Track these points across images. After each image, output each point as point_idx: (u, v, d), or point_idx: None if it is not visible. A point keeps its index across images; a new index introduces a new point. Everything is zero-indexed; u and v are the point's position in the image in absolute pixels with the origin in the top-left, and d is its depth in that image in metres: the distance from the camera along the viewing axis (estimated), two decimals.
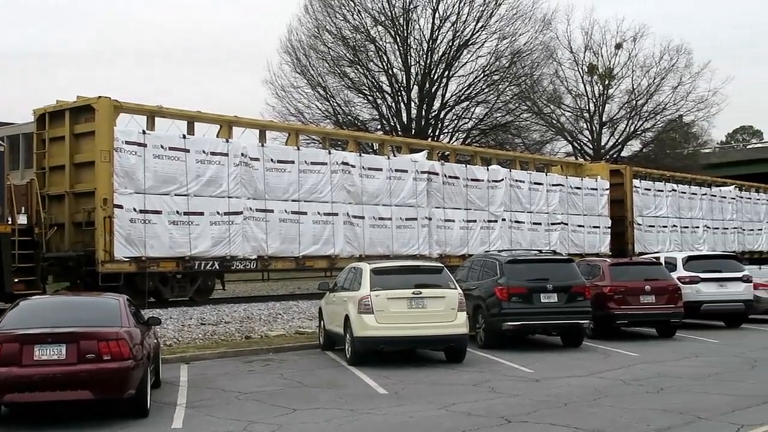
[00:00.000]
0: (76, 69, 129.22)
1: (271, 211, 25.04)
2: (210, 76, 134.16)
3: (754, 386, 13.32)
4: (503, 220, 32.11)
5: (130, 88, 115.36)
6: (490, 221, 31.64)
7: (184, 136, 23.51)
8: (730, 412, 11.15)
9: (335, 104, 50.20)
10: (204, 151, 23.55)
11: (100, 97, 22.05)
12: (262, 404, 12.19)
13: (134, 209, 21.97)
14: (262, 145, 25.64)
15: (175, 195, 22.85)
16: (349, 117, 50.35)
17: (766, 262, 38.12)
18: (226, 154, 24.00)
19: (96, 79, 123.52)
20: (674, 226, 40.60)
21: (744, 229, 46.02)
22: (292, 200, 25.64)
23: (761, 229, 47.64)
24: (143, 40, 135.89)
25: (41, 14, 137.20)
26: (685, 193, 41.98)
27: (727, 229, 44.57)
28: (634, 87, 59.56)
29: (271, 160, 25.22)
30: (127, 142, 21.96)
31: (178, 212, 22.88)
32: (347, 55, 49.29)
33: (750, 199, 47.54)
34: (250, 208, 24.54)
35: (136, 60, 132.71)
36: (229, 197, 24.00)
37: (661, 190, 40.34)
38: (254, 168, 24.69)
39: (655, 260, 23.87)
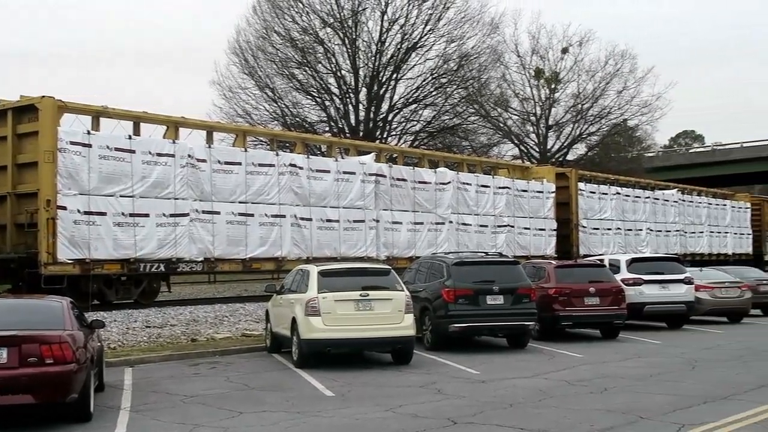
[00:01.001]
0: (11, 68, 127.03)
1: (218, 212, 24.87)
2: (156, 77, 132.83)
3: (695, 386, 13.57)
4: (450, 222, 32.27)
5: (70, 89, 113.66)
6: (437, 223, 31.78)
7: (130, 137, 23.24)
8: (672, 412, 11.34)
9: (283, 106, 50.09)
10: (150, 152, 23.31)
11: (43, 96, 21.71)
12: (208, 407, 12.10)
13: (78, 211, 21.65)
14: (209, 147, 25.47)
15: (121, 196, 22.58)
16: (297, 119, 50.23)
17: (707, 264, 38.83)
18: (173, 155, 23.79)
19: (30, 79, 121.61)
20: (618, 228, 41.12)
21: (686, 232, 46.77)
22: (239, 202, 25.49)
23: (702, 232, 48.46)
24: (86, 40, 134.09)
25: None
26: (629, 196, 42.54)
27: (670, 231, 45.25)
28: (580, 91, 60.34)
29: (218, 161, 25.06)
30: (72, 143, 21.64)
31: (123, 214, 22.61)
32: (295, 56, 49.20)
33: (692, 202, 48.34)
34: (197, 210, 24.35)
35: (77, 62, 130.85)
36: (175, 199, 23.79)
37: (606, 193, 40.84)
38: (201, 169, 24.51)
39: (599, 262, 24.18)
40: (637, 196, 43.20)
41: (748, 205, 54.52)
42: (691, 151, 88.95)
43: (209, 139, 26.41)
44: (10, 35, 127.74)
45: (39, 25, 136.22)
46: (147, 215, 23.14)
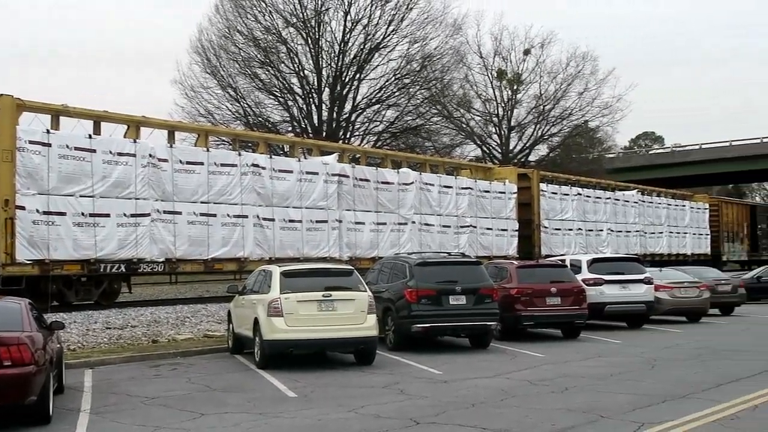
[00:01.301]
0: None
1: (180, 213, 24.71)
2: (117, 76, 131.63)
3: (654, 385, 13.71)
4: (413, 222, 32.33)
5: (29, 89, 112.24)
6: (400, 224, 31.82)
7: (90, 136, 23.02)
8: (631, 411, 11.45)
9: (246, 105, 49.87)
10: (111, 152, 23.11)
11: (1, 95, 21.43)
12: (169, 409, 12.02)
13: (37, 210, 21.41)
14: (171, 146, 25.31)
15: (81, 196, 22.36)
16: (260, 118, 50.04)
17: (666, 264, 39.27)
18: (134, 155, 23.61)
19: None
20: (579, 229, 41.45)
21: (646, 233, 47.25)
22: (201, 202, 25.35)
23: (662, 233, 48.98)
24: (42, 39, 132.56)
25: None
26: (589, 197, 42.88)
27: (630, 232, 45.70)
28: (542, 92, 60.72)
29: (180, 161, 24.90)
30: (31, 142, 21.40)
31: (83, 214, 22.39)
32: (258, 56, 49.01)
33: (652, 203, 48.84)
34: (158, 210, 24.18)
35: (37, 61, 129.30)
36: (136, 199, 23.60)
37: (567, 194, 41.14)
38: (162, 169, 24.34)
39: (560, 263, 24.35)
40: (597, 197, 43.57)
41: (707, 205, 55.19)
42: (651, 152, 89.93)
43: (171, 139, 26.25)
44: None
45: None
46: (107, 215, 22.94)
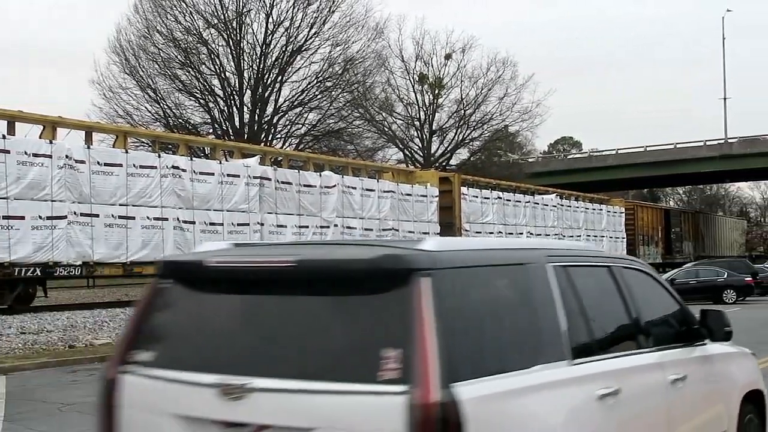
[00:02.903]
0: None
1: (97, 215, 24.26)
2: (31, 75, 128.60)
3: None
4: (335, 225, 32.32)
5: None
6: (322, 227, 31.78)
7: (4, 137, 22.44)
8: None
9: (166, 107, 49.24)
10: (26, 153, 22.56)
11: None
12: (86, 415, 11.76)
13: None
14: (89, 147, 24.81)
15: None
16: (181, 120, 49.49)
17: None
18: (50, 156, 23.09)
19: None
20: (500, 232, 41.92)
21: (564, 236, 48.01)
22: (120, 204, 24.92)
23: (580, 236, 49.81)
24: None
25: None
26: (510, 200, 43.42)
27: (549, 235, 46.36)
28: (463, 97, 61.33)
29: (98, 162, 24.44)
30: None
31: None
32: (178, 57, 48.48)
33: (570, 206, 49.68)
34: (75, 212, 23.69)
35: None
36: (52, 201, 23.09)
37: (488, 198, 41.60)
38: (80, 171, 23.85)
39: None
40: (517, 201, 44.15)
41: (623, 209, 56.35)
42: (569, 157, 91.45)
43: (89, 140, 25.75)
44: None
45: None
46: (22, 218, 22.38)
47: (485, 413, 3.93)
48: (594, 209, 52.32)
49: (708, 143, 74.22)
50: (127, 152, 25.78)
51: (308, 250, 4.72)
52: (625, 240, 55.50)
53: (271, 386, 4.02)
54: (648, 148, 75.50)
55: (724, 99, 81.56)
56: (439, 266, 4.09)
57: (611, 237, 53.65)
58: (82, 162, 23.96)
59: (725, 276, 37.80)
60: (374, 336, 4.00)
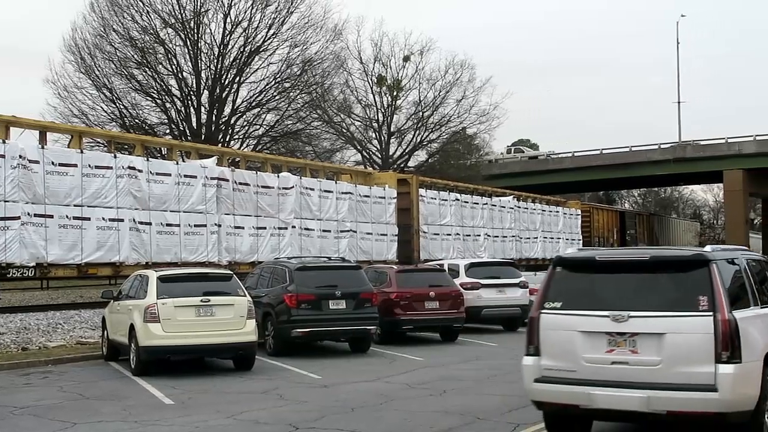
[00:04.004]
0: None
1: (51, 216, 23.90)
2: None
3: None
4: (293, 227, 32.18)
5: None
6: (280, 228, 31.63)
7: None
8: (507, 412, 11.72)
9: (122, 107, 48.73)
10: None
11: None
12: (40, 419, 11.64)
13: None
14: (43, 147, 24.45)
15: None
16: (137, 120, 49.01)
17: (541, 268, 40.28)
18: (3, 156, 22.67)
19: None
20: (457, 234, 42.06)
21: (521, 238, 48.31)
22: (75, 205, 24.57)
23: (537, 238, 50.16)
24: None
25: None
26: (467, 202, 43.55)
27: (506, 237, 46.63)
28: (421, 99, 61.45)
29: (52, 162, 24.08)
30: None
31: None
32: (135, 56, 48.02)
33: (527, 208, 49.96)
34: (29, 213, 23.30)
35: None
36: (5, 201, 22.68)
37: (446, 200, 41.70)
38: (33, 171, 23.48)
39: (439, 267, 24.69)
40: (475, 203, 44.30)
41: (579, 211, 56.83)
42: (526, 159, 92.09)
43: (43, 140, 25.37)
44: None
45: None
46: None
47: (744, 324, 8.62)
48: (551, 211, 52.67)
49: (662, 146, 75.18)
50: (82, 152, 25.46)
51: (650, 251, 9.68)
52: (581, 242, 55.90)
53: (640, 314, 8.83)
54: (604, 151, 76.26)
55: (678, 103, 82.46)
56: (718, 258, 9.08)
57: (567, 239, 54.03)
58: (36, 162, 23.59)
59: None
60: (693, 291, 8.75)
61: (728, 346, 8.41)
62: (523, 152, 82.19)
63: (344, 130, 60.31)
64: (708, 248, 9.20)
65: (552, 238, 52.03)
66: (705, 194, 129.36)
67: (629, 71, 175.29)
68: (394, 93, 61.29)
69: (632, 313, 8.81)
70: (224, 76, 49.26)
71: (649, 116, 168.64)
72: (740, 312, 8.72)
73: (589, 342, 9.04)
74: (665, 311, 8.74)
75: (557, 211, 53.50)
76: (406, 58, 61.34)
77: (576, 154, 78.64)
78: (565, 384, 9.14)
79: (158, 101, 49.66)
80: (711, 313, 8.48)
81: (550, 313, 9.43)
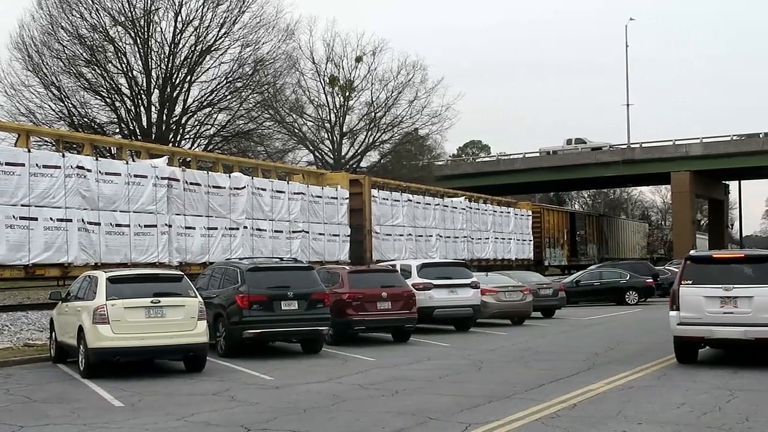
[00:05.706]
0: None
1: None
2: None
3: (481, 387, 14.14)
4: (245, 227, 32.02)
5: None
6: (231, 229, 31.45)
7: None
8: (459, 412, 11.77)
9: (70, 105, 48.04)
10: None
11: None
12: None
13: None
14: None
15: None
16: (86, 119, 48.36)
17: (492, 269, 40.54)
18: None
19: None
20: (410, 234, 42.18)
21: (473, 238, 48.59)
22: (22, 205, 24.20)
23: (488, 238, 50.49)
24: None
25: None
26: (419, 203, 43.70)
27: (458, 237, 46.87)
28: (373, 100, 61.65)
29: None
30: None
31: None
32: (84, 54, 47.39)
33: (478, 209, 50.26)
34: None
35: None
36: None
37: (398, 200, 41.79)
38: None
39: (391, 268, 24.72)
40: (427, 203, 44.47)
41: (530, 212, 57.30)
42: (478, 160, 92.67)
43: None
44: None
45: None
46: None
47: None
48: (502, 212, 53.04)
49: (611, 148, 76.14)
50: (29, 151, 25.05)
51: (744, 251, 18.97)
52: (532, 242, 56.42)
53: (739, 286, 15.86)
54: (554, 152, 76.99)
55: (627, 105, 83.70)
56: None
57: (518, 240, 54.49)
58: None
59: (627, 278, 38.76)
60: (766, 273, 16.05)
61: None
62: (582, 145, 76.75)
63: (296, 131, 60.19)
64: None
65: (503, 238, 52.40)
66: (653, 195, 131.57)
67: (582, 73, 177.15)
68: (347, 93, 61.32)
69: (734, 286, 15.75)
70: (175, 75, 48.84)
71: (601, 118, 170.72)
72: None
73: (710, 302, 15.92)
74: (752, 284, 15.72)
75: (508, 212, 53.88)
76: (359, 59, 61.41)
77: (527, 155, 79.31)
78: (696, 325, 15.92)
79: (108, 100, 49.07)
80: None
81: (685, 286, 16.18)
